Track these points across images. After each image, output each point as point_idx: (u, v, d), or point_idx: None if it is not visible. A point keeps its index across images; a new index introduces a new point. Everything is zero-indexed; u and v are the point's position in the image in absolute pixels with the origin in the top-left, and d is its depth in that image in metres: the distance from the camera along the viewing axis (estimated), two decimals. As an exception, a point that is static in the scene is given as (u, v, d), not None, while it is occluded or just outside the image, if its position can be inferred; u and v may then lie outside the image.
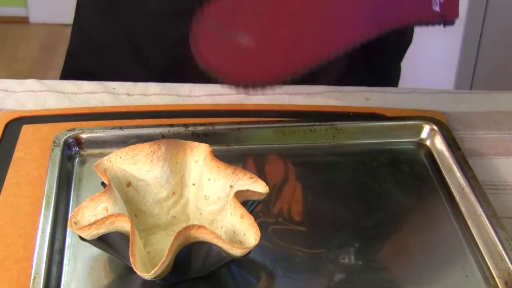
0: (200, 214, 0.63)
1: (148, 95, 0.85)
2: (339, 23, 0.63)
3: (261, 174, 0.72)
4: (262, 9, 0.61)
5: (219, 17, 0.61)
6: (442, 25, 0.69)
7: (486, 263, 0.63)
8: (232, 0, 0.61)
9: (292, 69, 0.61)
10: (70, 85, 0.85)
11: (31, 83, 0.86)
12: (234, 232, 0.58)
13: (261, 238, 0.56)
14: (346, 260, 0.63)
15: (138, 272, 0.55)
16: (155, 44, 0.92)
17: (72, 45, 0.99)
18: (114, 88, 0.85)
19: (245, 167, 0.72)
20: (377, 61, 0.94)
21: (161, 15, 0.89)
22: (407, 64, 1.02)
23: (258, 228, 0.57)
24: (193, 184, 0.64)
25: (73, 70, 0.98)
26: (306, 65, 0.61)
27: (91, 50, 0.96)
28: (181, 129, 0.75)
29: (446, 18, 0.68)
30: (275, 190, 0.70)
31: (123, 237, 0.56)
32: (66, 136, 0.73)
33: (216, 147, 0.72)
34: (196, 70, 0.89)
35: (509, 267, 0.61)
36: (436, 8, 0.67)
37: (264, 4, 0.61)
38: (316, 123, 0.77)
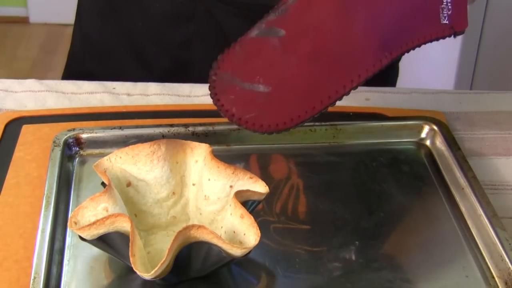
0: (200, 214, 0.63)
1: (148, 95, 0.85)
2: (351, 58, 0.65)
3: (261, 174, 0.72)
4: (274, 57, 0.63)
5: (233, 69, 0.63)
6: (453, 36, 0.69)
7: (486, 263, 0.63)
8: (244, 50, 0.63)
9: (311, 109, 0.64)
10: (70, 85, 0.85)
11: (31, 83, 0.86)
12: (234, 232, 0.58)
13: (261, 238, 0.56)
14: (346, 260, 0.63)
15: (138, 272, 0.55)
16: (158, 47, 0.92)
17: (74, 48, 0.99)
18: (114, 88, 0.85)
19: (245, 167, 0.72)
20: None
21: (164, 19, 0.89)
22: (407, 64, 1.02)
23: (258, 228, 0.57)
24: (193, 184, 0.64)
25: (75, 73, 0.98)
26: (324, 103, 0.64)
27: (93, 53, 0.96)
28: (181, 129, 0.75)
29: (456, 29, 0.69)
30: (275, 190, 0.70)
31: (123, 237, 0.56)
32: (66, 136, 0.73)
33: (216, 147, 0.72)
34: (198, 72, 0.89)
35: (509, 267, 0.61)
36: (445, 21, 0.68)
37: (275, 52, 0.63)
38: (316, 123, 0.77)
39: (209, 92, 0.64)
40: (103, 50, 0.95)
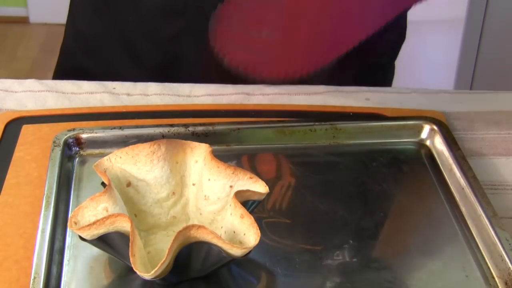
0: (200, 214, 0.63)
1: (148, 95, 0.85)
2: (355, 18, 0.64)
3: (261, 174, 0.72)
4: (283, 7, 0.61)
5: (239, 16, 0.61)
6: None
7: (486, 263, 0.63)
8: (247, 1, 0.62)
9: (313, 63, 0.62)
10: (70, 85, 0.85)
11: (31, 83, 0.86)
12: (234, 232, 0.58)
13: (261, 238, 0.56)
14: (346, 260, 0.63)
15: (138, 272, 0.55)
16: (149, 42, 0.92)
17: (66, 43, 1.00)
18: (114, 88, 0.85)
19: (245, 167, 0.72)
20: (369, 59, 0.94)
21: (155, 13, 0.90)
22: (407, 64, 1.02)
23: (258, 228, 0.57)
24: (193, 184, 0.64)
25: (67, 68, 0.98)
26: (326, 59, 0.63)
27: (85, 48, 0.97)
28: (181, 129, 0.75)
29: None
30: (275, 190, 0.70)
31: (123, 237, 0.56)
32: (66, 136, 0.73)
33: (216, 147, 0.72)
34: (189, 67, 0.89)
35: (509, 267, 0.61)
36: None
37: (284, 2, 0.62)
38: (316, 123, 0.77)
39: (211, 42, 0.61)
40: (95, 45, 0.96)
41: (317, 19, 0.62)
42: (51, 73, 1.02)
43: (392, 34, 0.96)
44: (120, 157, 0.63)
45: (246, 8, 0.62)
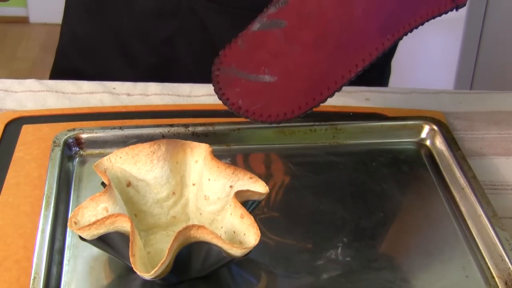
0: (200, 214, 0.63)
1: (148, 95, 0.85)
2: (354, 43, 0.65)
3: (261, 174, 0.72)
4: (278, 47, 0.64)
5: (237, 62, 0.63)
6: (455, 10, 0.69)
7: (486, 263, 0.63)
8: (247, 44, 0.64)
9: (319, 95, 0.65)
10: (70, 85, 0.85)
11: (31, 83, 0.86)
12: (234, 232, 0.58)
13: (261, 238, 0.56)
14: (346, 260, 0.63)
15: (138, 272, 0.55)
16: (143, 44, 0.93)
17: (61, 44, 1.00)
18: (114, 88, 0.85)
19: (245, 167, 0.72)
20: None
21: (148, 15, 0.90)
22: (408, 64, 1.02)
23: (258, 228, 0.57)
24: (193, 184, 0.64)
25: (63, 69, 0.99)
26: (331, 89, 0.65)
27: (80, 49, 0.97)
28: (181, 129, 0.75)
29: (458, 1, 0.68)
30: (275, 190, 0.70)
31: (123, 237, 0.56)
32: (66, 136, 0.73)
33: (216, 147, 0.72)
34: (182, 69, 0.89)
35: (509, 267, 0.61)
36: None
37: (279, 43, 0.64)
38: (316, 123, 0.77)
39: (214, 88, 0.63)
40: (89, 47, 0.96)
41: (314, 50, 0.64)
42: (51, 73, 1.02)
43: None
44: (120, 157, 0.63)
45: (244, 53, 0.64)
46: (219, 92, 0.63)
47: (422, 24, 0.68)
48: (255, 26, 0.64)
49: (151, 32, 0.91)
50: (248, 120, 0.64)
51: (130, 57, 0.94)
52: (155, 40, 0.92)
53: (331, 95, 0.65)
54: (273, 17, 0.64)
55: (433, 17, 0.69)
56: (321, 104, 0.66)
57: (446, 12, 0.69)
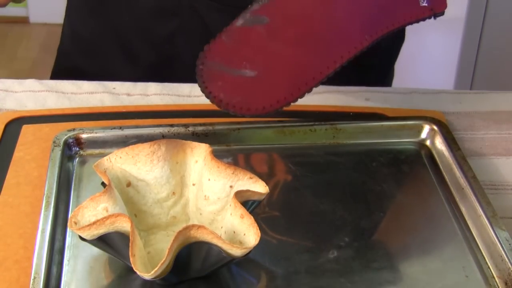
0: (200, 214, 0.63)
1: (148, 95, 0.85)
2: (334, 41, 0.67)
3: (261, 174, 0.72)
4: (260, 43, 0.66)
5: (220, 57, 0.65)
6: (433, 18, 0.71)
7: (486, 263, 0.63)
8: (231, 39, 0.66)
9: (297, 91, 0.66)
10: (70, 85, 0.85)
11: (31, 83, 0.86)
12: (234, 232, 0.58)
13: (260, 238, 0.56)
14: (346, 260, 0.63)
15: (138, 272, 0.55)
16: (144, 42, 0.93)
17: (63, 43, 1.00)
18: (114, 88, 0.85)
19: (245, 167, 0.72)
20: (366, 60, 0.94)
21: (149, 13, 0.90)
22: (407, 64, 1.02)
23: (258, 228, 0.57)
24: (193, 184, 0.64)
25: (64, 69, 0.99)
26: (309, 84, 0.66)
27: (81, 48, 0.97)
28: (181, 129, 0.75)
29: (436, 10, 0.72)
30: (275, 191, 0.70)
31: (123, 237, 0.56)
32: (66, 136, 0.73)
33: (216, 147, 0.72)
34: (184, 67, 0.90)
35: (509, 267, 0.61)
36: (424, 3, 0.71)
37: (261, 39, 0.66)
38: (316, 123, 0.77)
39: (197, 81, 0.65)
40: (91, 46, 0.96)
41: (295, 46, 0.66)
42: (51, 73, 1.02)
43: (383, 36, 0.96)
44: (120, 157, 0.63)
45: (228, 47, 0.65)
46: (202, 85, 0.65)
47: (400, 28, 0.70)
48: (239, 22, 0.66)
49: (152, 30, 0.91)
50: (229, 113, 0.65)
51: (131, 55, 0.94)
52: (156, 39, 0.92)
53: (309, 91, 0.67)
54: (256, 14, 0.66)
55: (411, 23, 0.71)
56: (298, 100, 0.67)
57: (424, 19, 0.72)
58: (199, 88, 0.86)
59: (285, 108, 0.82)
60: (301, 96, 0.66)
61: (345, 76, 0.92)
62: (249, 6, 0.66)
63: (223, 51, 0.65)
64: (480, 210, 0.66)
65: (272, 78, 0.66)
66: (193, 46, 0.90)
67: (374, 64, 0.98)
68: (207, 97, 0.65)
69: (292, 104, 0.67)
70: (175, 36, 0.91)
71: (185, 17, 0.89)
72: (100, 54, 0.96)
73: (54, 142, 0.72)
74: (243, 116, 0.65)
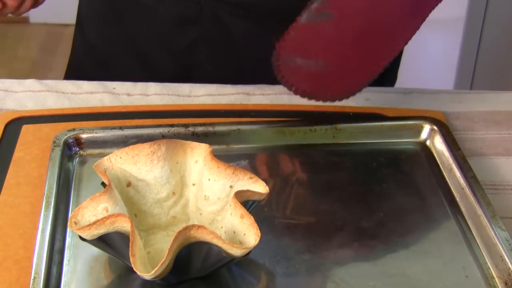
0: (200, 214, 0.63)
1: (148, 95, 0.85)
2: (394, 25, 0.72)
3: (261, 174, 0.72)
4: (329, 36, 0.70)
5: (294, 51, 0.69)
6: None
7: (486, 263, 0.63)
8: (300, 35, 0.69)
9: (371, 74, 0.71)
10: (70, 85, 0.85)
11: (31, 83, 0.86)
12: (234, 232, 0.58)
13: (260, 238, 0.56)
14: (346, 260, 0.63)
15: (138, 272, 0.55)
16: (162, 52, 0.91)
17: (75, 54, 0.98)
18: (114, 88, 0.85)
19: (245, 167, 0.72)
20: None
21: (169, 22, 0.89)
22: (407, 64, 1.02)
23: (258, 228, 0.57)
24: (193, 184, 0.64)
25: (76, 79, 0.97)
26: (381, 66, 0.71)
27: (95, 59, 0.95)
28: (181, 129, 0.75)
29: None
30: (275, 190, 0.70)
31: (123, 237, 0.56)
32: (66, 136, 0.73)
33: (216, 147, 0.72)
34: (203, 76, 0.90)
35: (509, 267, 0.61)
36: None
37: (329, 32, 0.70)
38: (316, 123, 0.77)
39: (277, 77, 0.69)
40: (105, 56, 0.95)
41: (361, 36, 0.71)
42: (51, 73, 1.02)
43: None
44: (120, 157, 0.63)
45: (299, 42, 0.69)
46: (282, 79, 0.69)
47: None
48: (303, 18, 0.69)
49: (171, 40, 0.90)
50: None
51: (148, 65, 0.92)
52: (176, 48, 0.90)
53: (382, 72, 0.71)
54: (320, 10, 0.69)
55: None
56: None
57: None
58: (199, 88, 0.86)
59: (284, 108, 0.83)
60: (375, 77, 0.71)
61: None
62: (309, 3, 0.69)
63: (296, 46, 0.69)
64: (480, 210, 0.66)
65: (347, 65, 0.71)
66: (215, 54, 0.90)
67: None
68: (290, 89, 0.69)
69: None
70: (196, 45, 0.89)
71: (207, 25, 0.88)
72: (115, 64, 0.94)
73: (54, 142, 0.72)
74: (326, 102, 0.71)
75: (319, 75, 0.70)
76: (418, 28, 0.72)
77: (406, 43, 0.72)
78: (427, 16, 0.72)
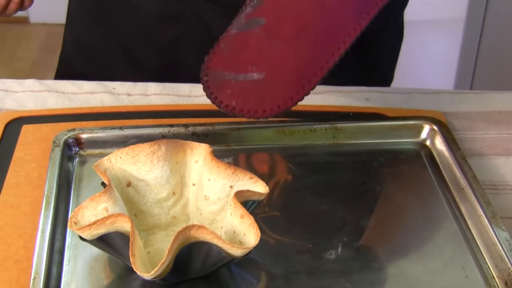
0: (200, 214, 0.63)
1: (148, 95, 0.85)
2: (332, 28, 0.67)
3: (261, 174, 0.72)
4: (260, 45, 0.65)
5: (223, 65, 0.65)
6: None
7: (486, 263, 0.63)
8: (230, 46, 0.65)
9: (308, 83, 0.66)
10: (70, 85, 0.86)
11: (31, 83, 0.86)
12: (234, 232, 0.58)
13: (261, 238, 0.56)
14: (346, 260, 0.63)
15: (138, 272, 0.55)
16: (147, 48, 0.92)
17: (65, 50, 1.00)
18: (114, 88, 0.85)
19: (245, 167, 0.72)
20: (366, 59, 0.94)
21: (152, 19, 0.90)
22: (407, 63, 1.02)
23: (258, 228, 0.57)
24: (193, 184, 0.64)
25: (66, 75, 0.98)
26: (318, 75, 0.66)
27: (84, 55, 0.97)
28: (181, 129, 0.75)
29: None
30: (275, 190, 0.70)
31: (123, 237, 0.56)
32: (66, 136, 0.73)
33: (216, 147, 0.72)
34: (188, 72, 0.90)
35: (509, 267, 0.61)
36: None
37: (261, 40, 0.65)
38: (316, 123, 0.77)
39: (205, 93, 0.64)
40: (93, 52, 0.96)
41: (295, 42, 0.66)
42: (51, 73, 1.02)
43: (389, 33, 0.96)
44: (120, 157, 0.63)
45: (229, 55, 0.65)
46: (211, 96, 0.64)
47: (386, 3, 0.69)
48: (234, 28, 0.65)
49: (155, 36, 0.91)
50: (245, 119, 0.65)
51: (135, 61, 0.94)
52: (160, 44, 0.91)
53: (319, 82, 0.66)
54: (250, 17, 0.65)
55: None
56: (310, 92, 0.67)
57: None
58: (199, 88, 0.86)
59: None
60: (313, 88, 0.66)
61: (350, 74, 0.93)
62: (241, 10, 0.66)
63: (225, 59, 0.65)
64: (480, 210, 0.66)
65: (280, 76, 0.66)
66: (198, 50, 0.90)
67: (379, 63, 0.98)
68: (219, 107, 0.64)
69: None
70: (179, 41, 0.90)
71: (189, 22, 0.89)
72: (103, 60, 0.96)
73: (54, 142, 0.72)
74: (259, 119, 0.64)
75: (250, 89, 0.65)
76: (363, 28, 0.67)
77: (350, 44, 0.67)
78: (372, 17, 0.68)
